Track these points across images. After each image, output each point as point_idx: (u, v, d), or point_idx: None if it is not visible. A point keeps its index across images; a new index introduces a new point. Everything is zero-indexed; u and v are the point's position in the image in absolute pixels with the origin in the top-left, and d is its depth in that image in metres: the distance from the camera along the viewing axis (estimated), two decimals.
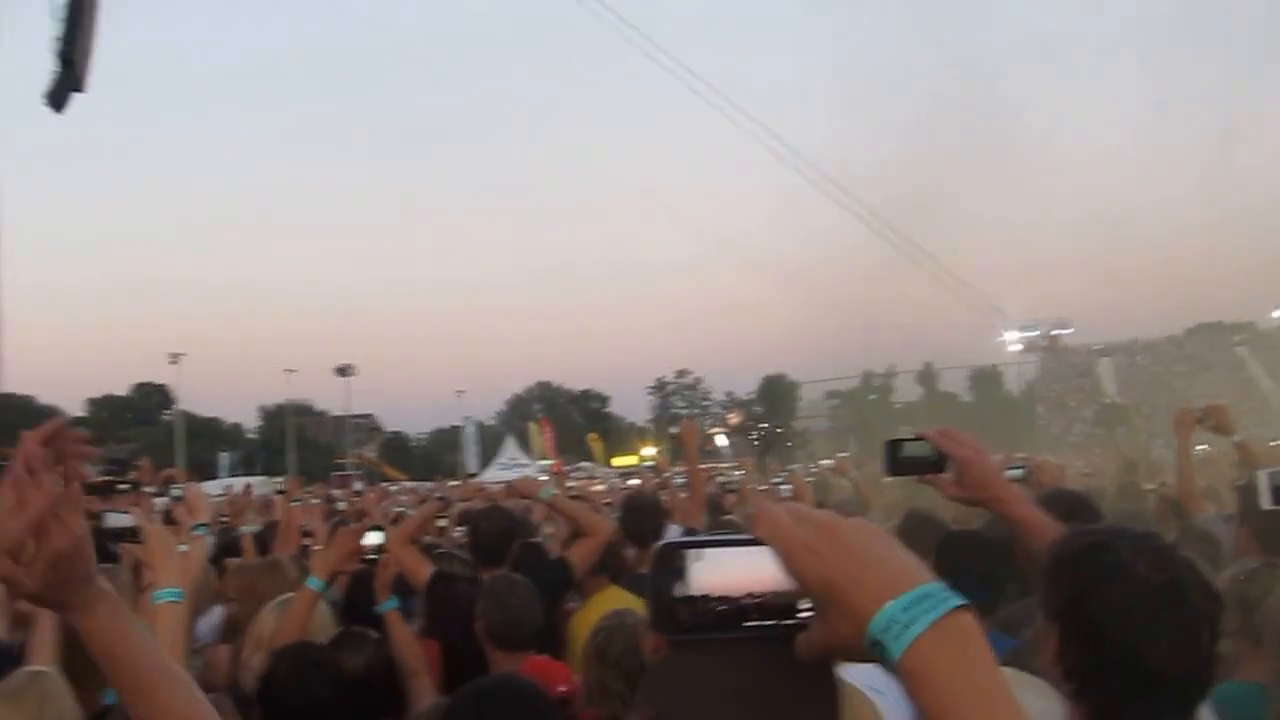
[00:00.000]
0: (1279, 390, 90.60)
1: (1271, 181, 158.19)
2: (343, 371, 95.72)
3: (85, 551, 2.22)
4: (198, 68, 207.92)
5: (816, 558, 1.31)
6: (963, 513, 6.53)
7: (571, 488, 16.98)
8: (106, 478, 6.99)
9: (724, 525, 10.21)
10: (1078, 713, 2.53)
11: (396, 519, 9.91)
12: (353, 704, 4.63)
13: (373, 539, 6.19)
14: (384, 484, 48.60)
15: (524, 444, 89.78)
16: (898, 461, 3.54)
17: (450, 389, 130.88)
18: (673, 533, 8.28)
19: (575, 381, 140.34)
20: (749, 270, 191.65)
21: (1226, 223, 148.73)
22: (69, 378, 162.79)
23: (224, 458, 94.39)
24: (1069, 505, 5.44)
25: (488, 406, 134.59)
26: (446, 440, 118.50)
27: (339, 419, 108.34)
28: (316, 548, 9.69)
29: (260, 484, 42.11)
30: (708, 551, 1.42)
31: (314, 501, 17.41)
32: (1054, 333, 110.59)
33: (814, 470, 20.89)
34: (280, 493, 12.95)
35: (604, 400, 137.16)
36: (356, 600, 6.68)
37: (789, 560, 1.33)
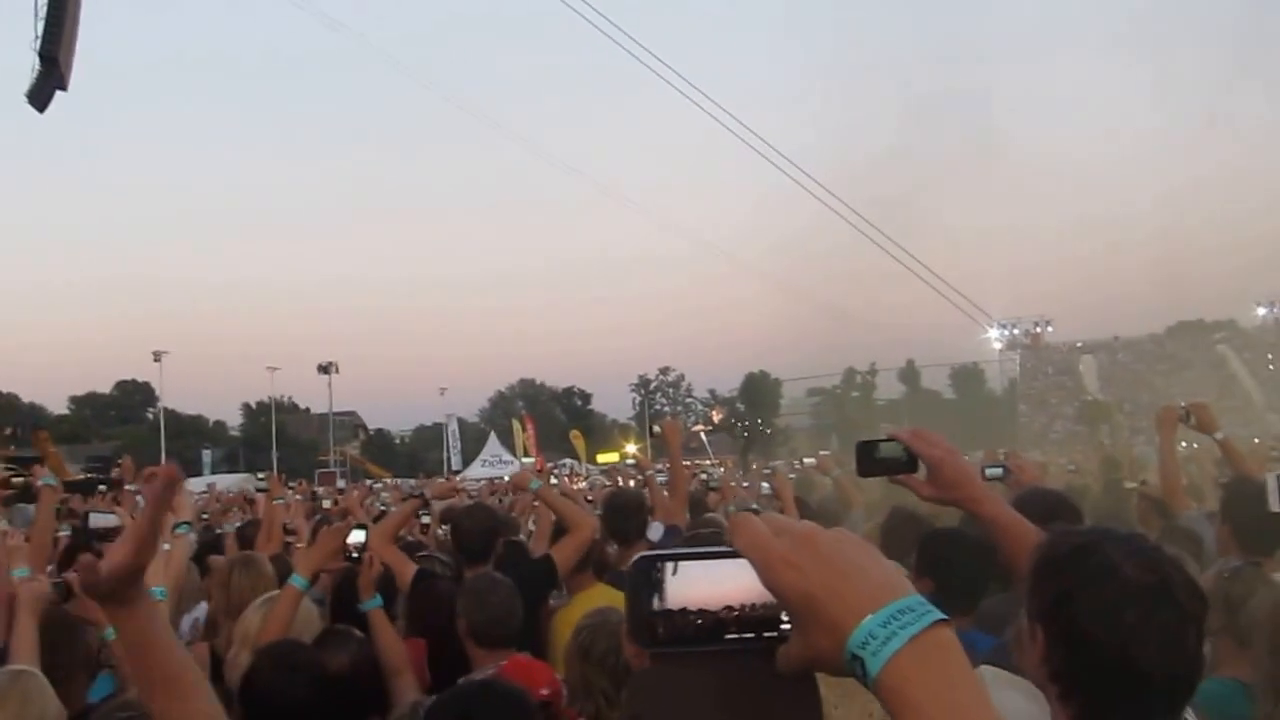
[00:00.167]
0: (1260, 388, 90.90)
1: (1252, 179, 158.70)
2: (325, 369, 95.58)
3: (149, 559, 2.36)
4: (187, 66, 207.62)
5: (795, 570, 1.29)
6: (946, 511, 6.58)
7: (554, 485, 16.95)
8: (89, 475, 7.00)
9: (706, 523, 10.22)
10: (1064, 714, 2.53)
11: (379, 517, 9.91)
12: (335, 703, 4.62)
13: (356, 537, 6.19)
14: (367, 481, 48.58)
15: (507, 441, 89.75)
16: (870, 462, 3.53)
17: (433, 386, 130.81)
18: (655, 530, 8.27)
19: (558, 379, 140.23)
20: (732, 268, 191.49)
21: (1208, 221, 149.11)
22: (52, 375, 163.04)
23: (207, 455, 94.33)
24: (1047, 505, 5.45)
25: (470, 404, 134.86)
26: (429, 437, 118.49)
27: (322, 416, 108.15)
28: (299, 546, 9.70)
29: (241, 481, 42.15)
30: (685, 564, 1.40)
31: (297, 498, 17.40)
32: (1036, 330, 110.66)
33: (797, 468, 20.89)
34: (262, 490, 12.92)
35: (587, 397, 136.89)
36: (345, 598, 6.67)
37: (767, 573, 1.31)
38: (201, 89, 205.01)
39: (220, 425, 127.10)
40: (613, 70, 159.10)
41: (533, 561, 7.34)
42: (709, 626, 1.37)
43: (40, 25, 35.48)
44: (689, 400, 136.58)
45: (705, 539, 7.23)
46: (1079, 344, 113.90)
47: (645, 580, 1.39)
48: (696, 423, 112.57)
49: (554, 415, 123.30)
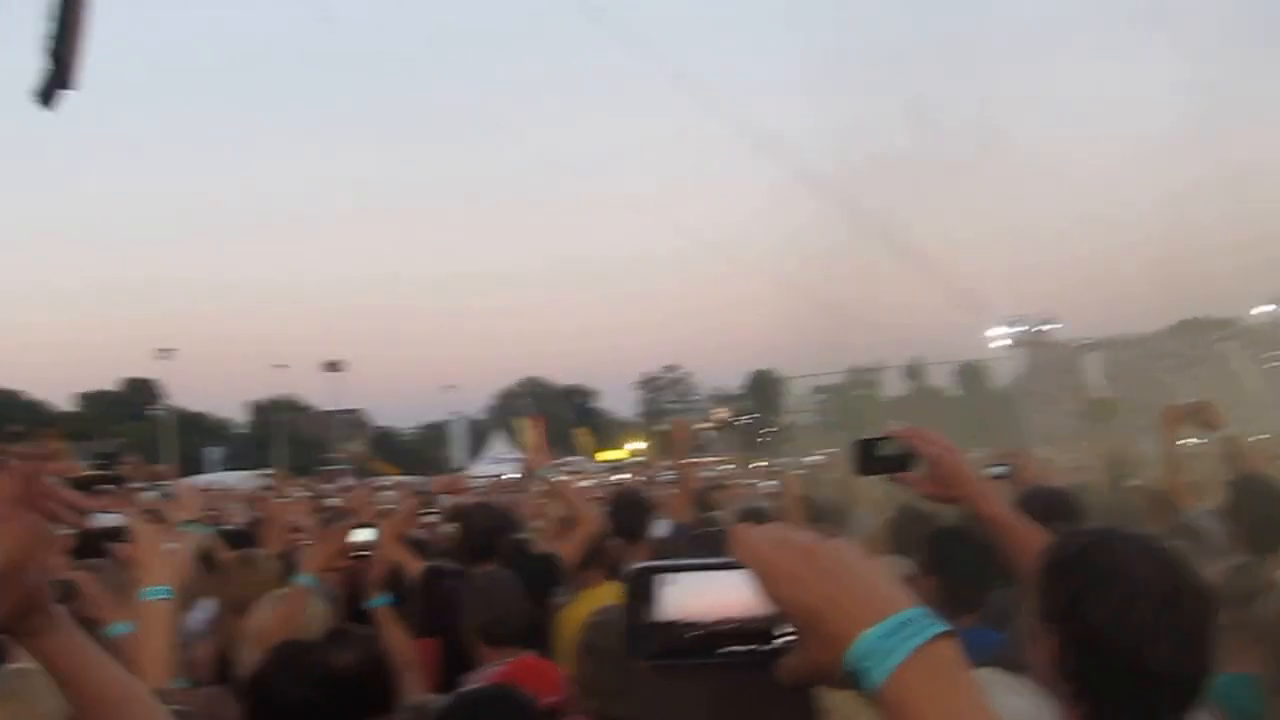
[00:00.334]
0: (1263, 386, 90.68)
1: (1256, 177, 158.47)
2: (332, 366, 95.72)
3: (47, 584, 2.22)
4: (189, 63, 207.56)
5: (796, 583, 1.28)
6: (952, 509, 6.58)
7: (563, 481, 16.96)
8: (93, 472, 6.99)
9: (711, 521, 10.22)
10: (1075, 714, 2.53)
11: (384, 515, 9.91)
12: (341, 701, 4.62)
13: (364, 535, 6.19)
14: (372, 479, 48.64)
15: (513, 439, 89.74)
16: (867, 461, 3.55)
17: (439, 384, 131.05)
18: (660, 528, 8.29)
19: (563, 376, 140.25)
20: (736, 266, 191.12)
21: (1212, 219, 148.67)
22: (58, 373, 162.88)
23: (212, 453, 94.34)
24: (1050, 503, 5.47)
25: (476, 401, 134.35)
26: (435, 435, 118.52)
27: (328, 414, 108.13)
28: (305, 543, 9.71)
29: (247, 478, 42.15)
30: (681, 575, 1.38)
31: (303, 494, 17.43)
32: (1041, 328, 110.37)
33: (804, 466, 20.87)
34: (268, 488, 12.95)
35: (592, 395, 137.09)
36: (358, 596, 6.67)
37: (768, 585, 1.30)
38: (208, 88, 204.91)
39: (226, 423, 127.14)
40: (614, 67, 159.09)
41: (537, 558, 7.33)
42: (704, 639, 1.35)
43: (49, 24, 35.43)
44: (694, 398, 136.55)
45: (711, 538, 7.23)
46: (1084, 341, 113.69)
47: (641, 591, 1.37)
48: (702, 420, 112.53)
49: (559, 413, 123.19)
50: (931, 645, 1.21)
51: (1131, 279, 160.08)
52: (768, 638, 1.34)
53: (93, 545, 6.14)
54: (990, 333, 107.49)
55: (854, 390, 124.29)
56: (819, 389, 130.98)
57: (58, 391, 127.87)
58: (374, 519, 7.38)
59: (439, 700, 4.82)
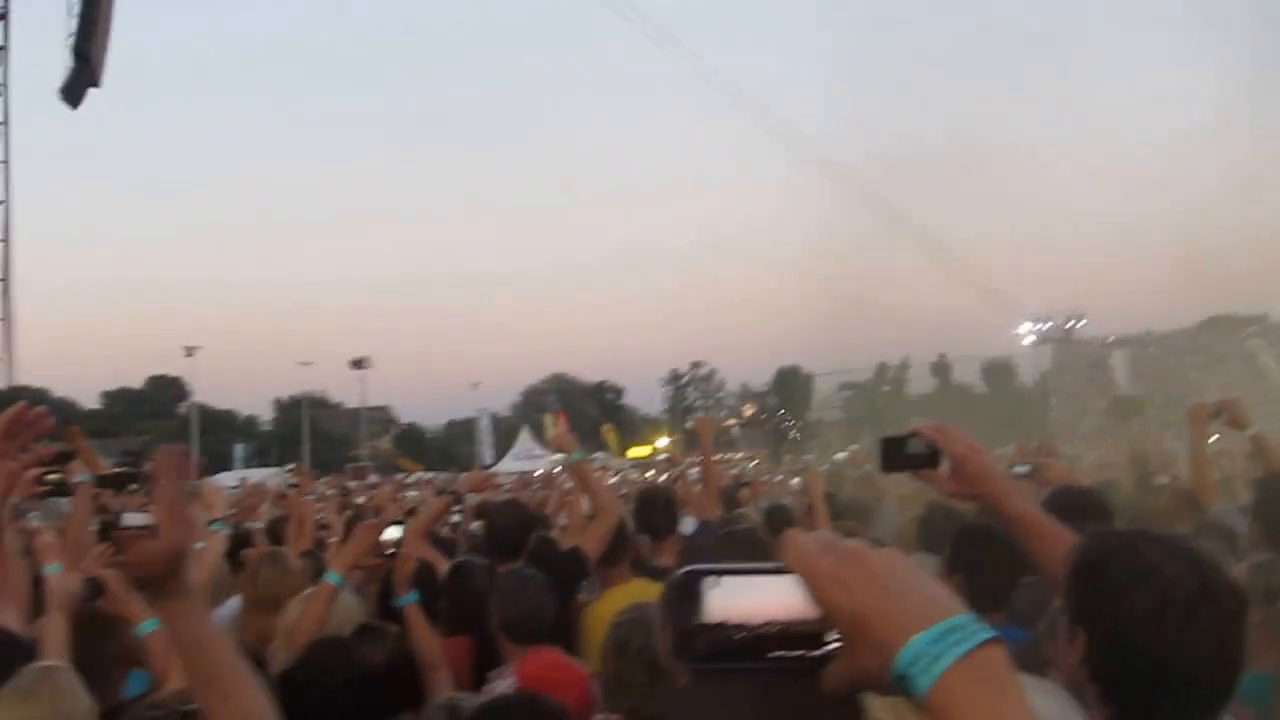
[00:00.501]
0: None
1: None
2: (358, 364, 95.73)
3: (192, 551, 2.31)
4: (213, 62, 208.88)
5: (843, 588, 1.27)
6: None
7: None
8: (120, 470, 7.00)
9: (738, 519, 10.21)
10: (1103, 714, 2.53)
11: (412, 512, 9.91)
12: (371, 698, 4.63)
13: (392, 533, 6.20)
14: (399, 476, 48.64)
15: (539, 436, 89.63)
16: (893, 458, 3.54)
17: (465, 381, 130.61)
18: (688, 524, 8.28)
19: (590, 373, 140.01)
20: (763, 262, 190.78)
21: (1239, 215, 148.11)
22: (83, 370, 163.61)
23: (239, 450, 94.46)
24: (1077, 503, 5.44)
25: (503, 398, 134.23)
26: (462, 432, 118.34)
27: (354, 411, 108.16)
28: (332, 540, 9.72)
29: (273, 476, 42.24)
30: (727, 579, 1.36)
31: (330, 493, 17.45)
32: (1068, 325, 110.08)
33: (829, 462, 20.85)
34: (293, 485, 12.94)
35: (618, 392, 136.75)
36: (387, 593, 6.67)
37: (815, 590, 1.30)
38: (235, 86, 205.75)
39: (252, 420, 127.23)
40: (645, 66, 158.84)
41: (563, 555, 7.32)
42: (749, 642, 1.33)
43: (74, 22, 35.61)
44: (721, 395, 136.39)
45: (739, 536, 7.22)
46: (1110, 339, 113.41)
47: (687, 593, 1.36)
48: (728, 417, 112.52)
49: (586, 410, 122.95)
50: (979, 651, 1.20)
51: (1159, 276, 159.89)
52: (813, 643, 1.33)
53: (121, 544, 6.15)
54: (1017, 330, 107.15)
55: (880, 387, 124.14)
56: (845, 386, 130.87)
57: (83, 389, 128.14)
58: (401, 516, 7.38)
59: (471, 698, 4.82)
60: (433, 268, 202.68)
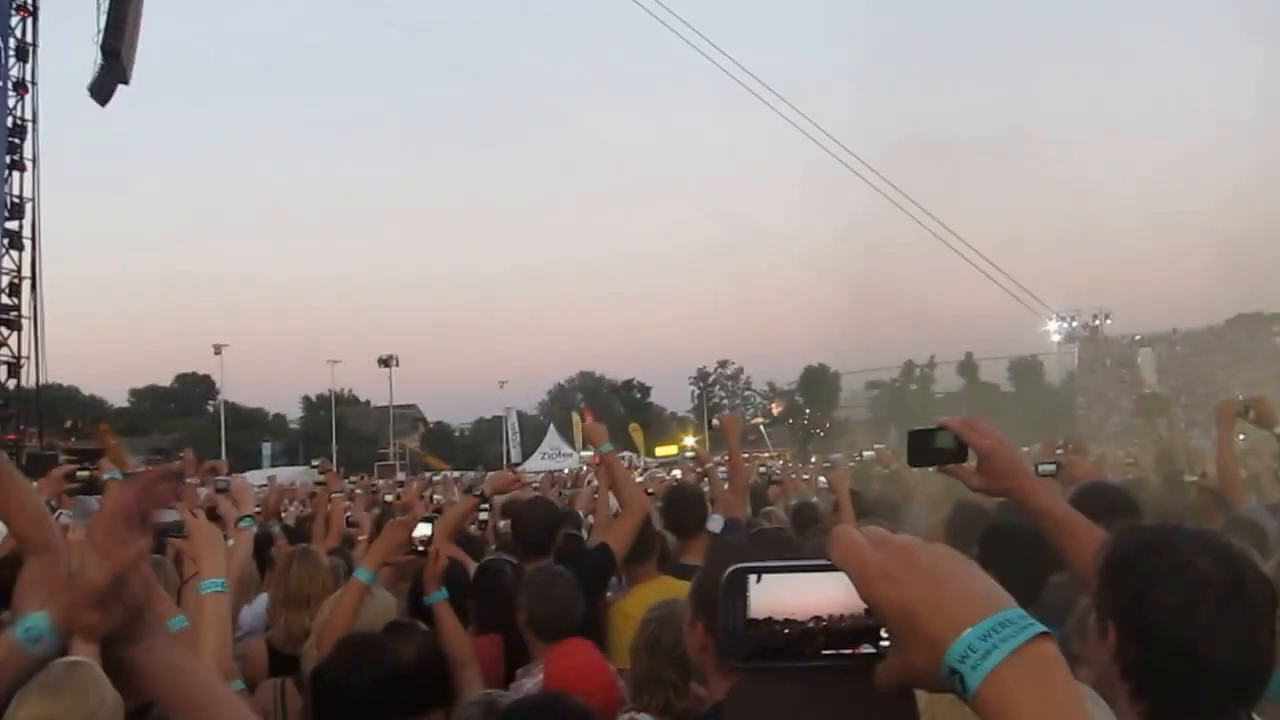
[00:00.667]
0: None
1: None
2: (386, 362, 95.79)
3: (143, 588, 2.21)
4: (243, 59, 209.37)
5: (892, 583, 1.26)
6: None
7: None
8: (150, 468, 7.03)
9: (767, 517, 10.21)
10: (1134, 711, 2.52)
11: (440, 510, 9.90)
12: (403, 695, 4.64)
13: (422, 531, 6.20)
14: (426, 473, 48.65)
15: (566, 434, 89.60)
16: (921, 452, 3.54)
17: (493, 379, 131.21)
18: (715, 522, 8.27)
19: (617, 372, 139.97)
20: (789, 261, 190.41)
21: (1267, 212, 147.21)
22: (113, 368, 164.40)
23: (267, 448, 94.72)
24: (1106, 500, 5.42)
25: (530, 397, 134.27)
26: (489, 430, 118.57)
27: (382, 409, 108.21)
28: (362, 539, 9.73)
29: (301, 474, 42.28)
30: (774, 575, 1.35)
31: (358, 492, 17.47)
32: (1094, 323, 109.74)
33: (856, 460, 20.77)
34: (320, 483, 12.90)
35: (645, 390, 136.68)
36: (417, 591, 6.67)
37: (864, 585, 1.28)
38: (264, 84, 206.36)
39: (280, 418, 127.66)
40: (666, 59, 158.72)
41: (590, 552, 7.31)
42: (796, 637, 1.33)
43: (103, 19, 35.76)
44: (748, 393, 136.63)
45: (768, 536, 7.21)
46: (1137, 336, 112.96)
47: (735, 591, 1.35)
48: (755, 416, 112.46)
49: (613, 408, 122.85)
50: (1030, 645, 1.19)
51: (1186, 273, 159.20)
52: (862, 638, 1.33)
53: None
54: (1044, 328, 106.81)
55: (907, 386, 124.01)
56: (872, 384, 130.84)
57: (113, 387, 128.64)
58: (429, 513, 7.38)
59: (506, 696, 4.83)
60: (461, 266, 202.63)
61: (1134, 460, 18.91)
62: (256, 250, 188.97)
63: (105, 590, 2.13)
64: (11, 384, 36.06)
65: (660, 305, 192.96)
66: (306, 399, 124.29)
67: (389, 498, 16.69)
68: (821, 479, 16.96)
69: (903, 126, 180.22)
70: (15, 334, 36.07)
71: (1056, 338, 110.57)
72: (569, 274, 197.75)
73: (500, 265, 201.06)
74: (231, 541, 6.77)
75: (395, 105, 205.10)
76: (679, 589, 6.04)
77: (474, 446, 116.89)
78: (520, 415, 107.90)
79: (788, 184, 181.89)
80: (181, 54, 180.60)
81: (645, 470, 35.41)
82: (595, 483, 11.00)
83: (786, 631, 1.33)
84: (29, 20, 37.02)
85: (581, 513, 11.78)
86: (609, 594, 7.28)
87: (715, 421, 10.80)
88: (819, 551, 1.36)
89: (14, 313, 35.98)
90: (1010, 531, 5.38)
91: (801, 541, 8.19)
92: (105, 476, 7.79)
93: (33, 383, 36.92)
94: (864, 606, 1.31)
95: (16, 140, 36.19)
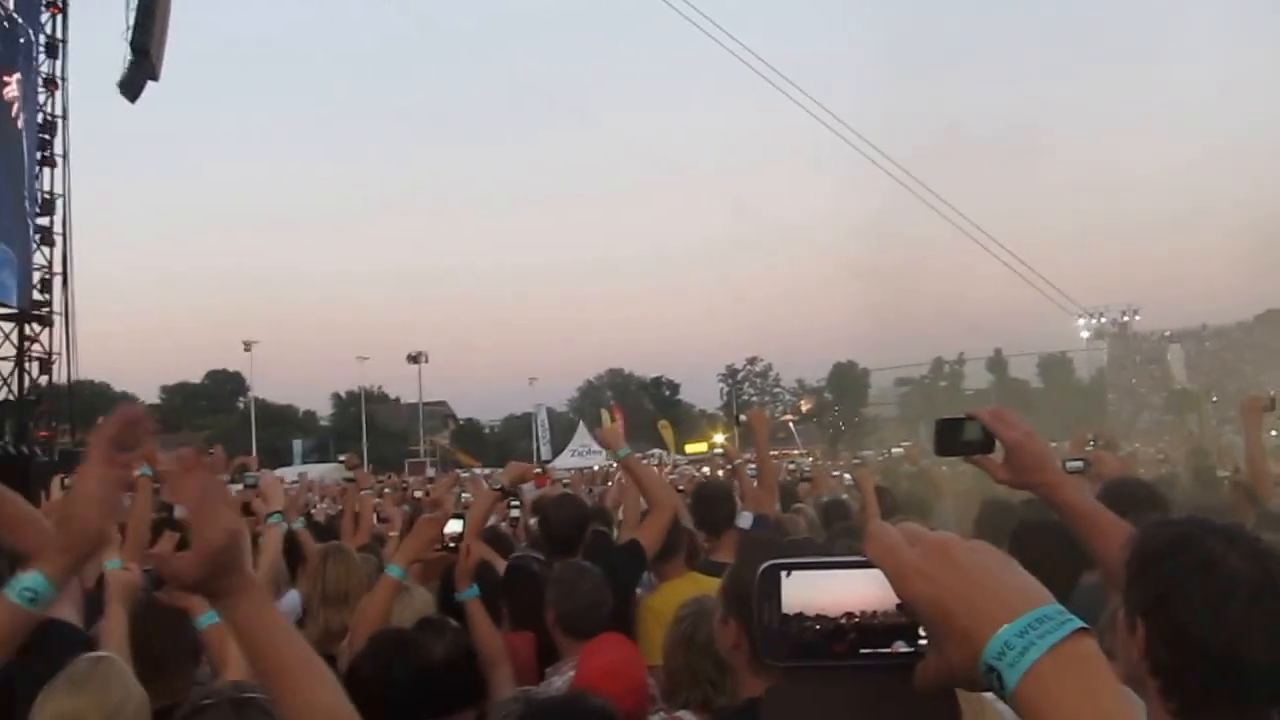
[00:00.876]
0: None
1: None
2: (415, 359, 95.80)
3: (241, 542, 2.26)
4: (273, 55, 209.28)
5: (928, 580, 1.26)
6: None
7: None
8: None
9: (797, 513, 10.19)
10: (1165, 708, 2.50)
11: (468, 507, 9.92)
12: (435, 691, 4.64)
13: (454, 527, 6.20)
14: (457, 470, 48.77)
15: (595, 431, 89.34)
16: (948, 442, 3.51)
17: (522, 376, 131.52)
18: (745, 519, 8.26)
19: (646, 369, 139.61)
20: (819, 257, 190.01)
21: None
22: (143, 365, 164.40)
23: (298, 445, 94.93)
24: (1134, 495, 5.40)
25: (560, 394, 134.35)
26: (519, 427, 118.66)
27: (412, 406, 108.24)
28: (392, 535, 9.74)
29: (331, 470, 42.40)
30: (809, 572, 1.35)
31: (387, 491, 17.49)
32: (1124, 319, 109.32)
33: (883, 457, 20.76)
34: (349, 479, 12.92)
35: (675, 387, 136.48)
36: (448, 588, 6.67)
37: (900, 582, 1.28)
38: (294, 80, 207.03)
39: (310, 415, 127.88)
40: (693, 54, 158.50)
41: (619, 548, 7.30)
42: (827, 632, 1.32)
43: (132, 16, 35.81)
44: (777, 390, 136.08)
45: (799, 544, 7.21)
46: (1167, 333, 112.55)
47: (769, 589, 1.35)
48: (784, 413, 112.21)
49: (642, 405, 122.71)
50: (1069, 641, 1.18)
51: (1216, 269, 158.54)
52: (899, 636, 1.32)
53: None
54: (1073, 325, 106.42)
55: (936, 383, 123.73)
56: (901, 381, 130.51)
57: (143, 383, 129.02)
58: (460, 510, 7.39)
59: (542, 692, 4.82)
60: (491, 262, 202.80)
61: (1165, 457, 18.89)
62: (287, 247, 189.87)
63: (223, 550, 2.20)
64: (44, 380, 36.09)
65: (689, 302, 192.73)
66: (336, 396, 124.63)
67: (418, 494, 16.71)
68: (848, 476, 16.95)
69: (932, 123, 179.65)
70: (47, 330, 36.07)
71: (1085, 334, 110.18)
72: (599, 271, 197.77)
73: (530, 262, 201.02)
74: (261, 537, 6.80)
75: (425, 102, 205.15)
76: (708, 585, 6.05)
77: (504, 444, 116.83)
78: (550, 412, 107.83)
79: (817, 181, 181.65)
80: (212, 47, 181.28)
81: (675, 468, 35.36)
82: (624, 479, 10.98)
83: (818, 627, 1.32)
84: (59, 17, 37.06)
85: (611, 508, 11.75)
86: (638, 591, 7.28)
87: (742, 417, 10.73)
88: (848, 550, 1.36)
89: (46, 309, 35.96)
90: (1041, 528, 5.36)
91: (830, 540, 8.17)
92: (135, 474, 7.81)
93: (64, 379, 36.95)
94: (895, 603, 1.30)
95: (47, 136, 36.21)
